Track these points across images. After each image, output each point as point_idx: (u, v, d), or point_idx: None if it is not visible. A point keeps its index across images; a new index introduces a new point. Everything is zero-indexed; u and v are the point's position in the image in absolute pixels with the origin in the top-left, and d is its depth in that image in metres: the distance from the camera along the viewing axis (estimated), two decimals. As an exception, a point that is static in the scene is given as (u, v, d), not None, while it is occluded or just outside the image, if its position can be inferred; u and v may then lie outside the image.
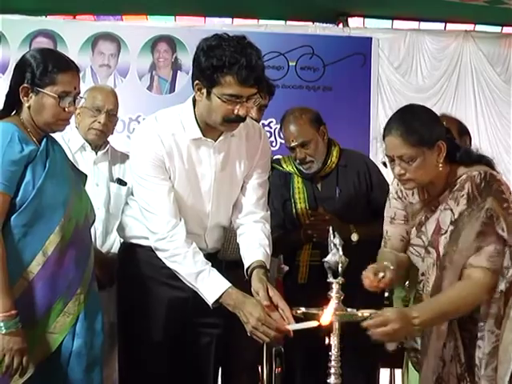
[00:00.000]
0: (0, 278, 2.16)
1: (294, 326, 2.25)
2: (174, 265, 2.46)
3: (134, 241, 2.68)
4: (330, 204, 3.04)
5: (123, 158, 3.27)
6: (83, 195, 2.47)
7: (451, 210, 2.32)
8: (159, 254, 2.50)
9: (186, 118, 2.48)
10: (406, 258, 2.46)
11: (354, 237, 2.95)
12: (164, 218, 2.46)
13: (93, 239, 3.02)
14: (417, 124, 2.30)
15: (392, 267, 2.28)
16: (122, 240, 2.80)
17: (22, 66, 2.33)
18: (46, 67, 2.29)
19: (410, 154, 2.27)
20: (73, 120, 3.19)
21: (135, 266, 2.66)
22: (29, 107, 2.32)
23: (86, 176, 2.61)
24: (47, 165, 2.32)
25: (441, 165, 2.31)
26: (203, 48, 2.33)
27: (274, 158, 3.27)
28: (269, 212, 2.65)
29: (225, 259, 2.68)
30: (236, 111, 2.32)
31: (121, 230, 2.78)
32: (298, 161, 3.05)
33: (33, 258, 2.26)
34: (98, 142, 3.20)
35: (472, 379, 2.28)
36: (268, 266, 2.50)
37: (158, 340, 2.60)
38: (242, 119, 2.38)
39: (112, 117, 3.21)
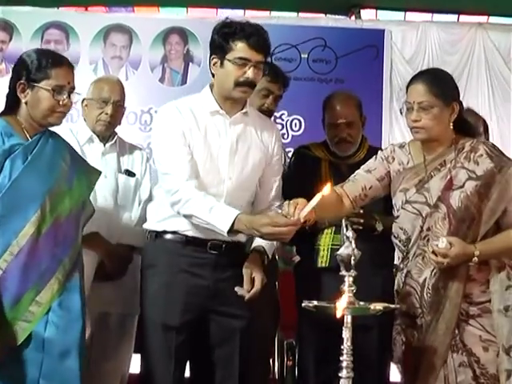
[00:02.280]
0: None
1: (303, 212, 2.35)
2: (187, 210, 2.61)
3: (154, 228, 2.78)
4: None
5: (131, 149, 3.28)
6: (75, 191, 2.54)
7: (467, 169, 2.58)
8: (175, 209, 2.66)
9: (204, 95, 2.78)
10: (336, 204, 2.67)
11: (380, 226, 2.98)
12: (180, 175, 2.64)
13: (101, 230, 3.05)
14: (441, 80, 2.65)
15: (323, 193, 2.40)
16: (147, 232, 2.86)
17: (18, 65, 2.51)
18: (40, 63, 2.47)
19: (429, 102, 2.56)
20: (80, 112, 3.22)
21: (156, 254, 2.73)
22: (26, 103, 2.48)
23: (100, 172, 2.73)
24: (29, 158, 2.43)
25: (451, 125, 2.62)
26: (217, 27, 2.70)
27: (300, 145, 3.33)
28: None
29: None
30: (246, 74, 2.64)
31: (143, 221, 2.91)
32: (337, 139, 3.11)
33: (6, 248, 2.34)
34: (106, 133, 3.21)
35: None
36: (269, 252, 2.76)
37: (177, 326, 2.64)
38: (251, 83, 2.67)
39: (119, 108, 3.22)
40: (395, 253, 2.93)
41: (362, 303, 2.19)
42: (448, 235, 2.53)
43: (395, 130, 6.47)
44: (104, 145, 3.22)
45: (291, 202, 2.41)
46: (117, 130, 3.32)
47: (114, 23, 6.11)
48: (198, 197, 2.60)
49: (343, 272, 2.20)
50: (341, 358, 2.15)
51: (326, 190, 2.30)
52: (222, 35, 2.66)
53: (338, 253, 2.24)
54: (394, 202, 2.71)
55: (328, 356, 2.27)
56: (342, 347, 2.14)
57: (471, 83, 6.46)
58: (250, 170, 2.77)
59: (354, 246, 2.21)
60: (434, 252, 2.49)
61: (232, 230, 2.51)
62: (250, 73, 2.64)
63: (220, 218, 2.53)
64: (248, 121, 2.80)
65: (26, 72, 2.47)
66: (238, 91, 2.68)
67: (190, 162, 2.66)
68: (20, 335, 2.34)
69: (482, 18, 6.74)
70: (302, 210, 2.36)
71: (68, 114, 5.68)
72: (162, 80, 6.15)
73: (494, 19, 6.78)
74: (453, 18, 6.78)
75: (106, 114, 3.18)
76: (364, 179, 2.72)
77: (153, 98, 5.91)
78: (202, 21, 6.13)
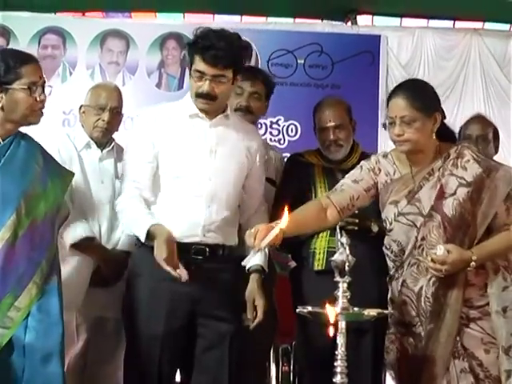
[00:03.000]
0: None
1: (263, 243, 2.36)
2: (121, 216, 2.83)
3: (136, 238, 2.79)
4: None
5: (129, 154, 3.29)
6: (50, 193, 2.50)
7: (456, 176, 2.59)
8: (118, 216, 2.85)
9: (185, 100, 2.82)
10: (319, 217, 2.67)
11: (375, 227, 3.00)
12: (128, 191, 2.77)
13: (98, 236, 3.06)
14: (421, 92, 2.64)
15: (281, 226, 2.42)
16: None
17: None
18: (7, 65, 2.40)
19: (411, 116, 2.56)
20: (78, 117, 3.22)
21: (140, 262, 2.75)
22: (2, 108, 2.40)
23: (73, 174, 2.73)
24: (1, 161, 2.40)
25: (434, 135, 2.62)
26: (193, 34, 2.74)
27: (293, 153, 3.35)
28: (266, 209, 2.95)
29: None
30: (202, 87, 2.68)
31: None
32: (327, 142, 3.14)
33: None
34: (103, 139, 3.22)
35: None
36: (265, 267, 2.81)
37: (161, 335, 2.64)
38: (208, 95, 2.70)
39: (116, 114, 3.23)
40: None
41: (356, 309, 2.20)
42: (444, 243, 2.54)
43: (391, 135, 6.48)
44: (101, 151, 3.23)
45: (252, 230, 2.41)
46: (115, 136, 3.34)
47: (110, 28, 6.13)
48: (133, 206, 2.74)
49: (337, 278, 2.21)
50: (335, 364, 2.16)
51: (284, 222, 2.34)
52: (188, 46, 2.74)
53: (333, 259, 2.25)
54: (384, 216, 2.71)
55: (326, 361, 2.28)
56: (336, 353, 2.15)
57: (467, 89, 6.49)
58: (231, 172, 2.80)
59: (348, 252, 2.23)
60: (432, 260, 2.50)
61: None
62: (205, 86, 2.67)
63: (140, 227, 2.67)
64: (229, 124, 2.83)
65: None
66: (199, 102, 2.74)
67: (151, 180, 2.77)
68: (0, 341, 2.30)
69: (478, 24, 6.77)
70: (263, 239, 2.36)
71: (65, 119, 5.84)
72: (158, 85, 6.17)
73: (489, 25, 6.82)
74: (448, 23, 6.81)
75: (103, 120, 3.19)
76: (352, 189, 2.72)
77: (150, 103, 5.79)
78: (199, 26, 6.14)
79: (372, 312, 2.22)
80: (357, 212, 2.91)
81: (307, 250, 3.14)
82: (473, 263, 2.52)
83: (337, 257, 2.25)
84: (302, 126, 6.02)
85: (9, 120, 2.43)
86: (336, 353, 2.15)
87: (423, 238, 2.61)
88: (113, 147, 3.26)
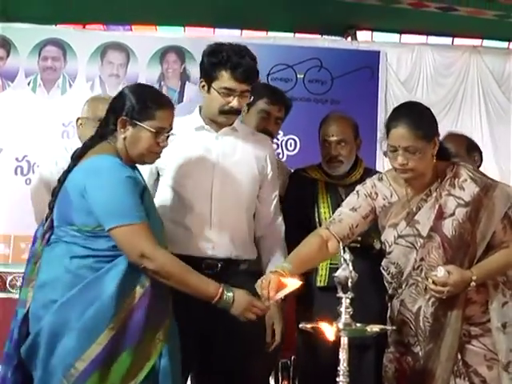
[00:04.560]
0: (194, 274, 2.33)
1: (276, 297, 2.37)
2: None
3: None
4: None
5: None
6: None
7: (454, 196, 2.58)
8: None
9: (192, 116, 2.86)
10: (320, 251, 2.65)
11: (377, 244, 3.00)
12: None
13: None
14: (423, 120, 2.59)
15: (288, 268, 2.45)
16: None
17: (121, 99, 2.44)
18: (145, 103, 2.41)
19: (415, 146, 2.52)
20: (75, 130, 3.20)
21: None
22: (124, 138, 2.41)
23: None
24: (144, 197, 2.40)
25: (434, 158, 2.60)
26: (206, 51, 2.76)
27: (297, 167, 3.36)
28: (282, 219, 2.93)
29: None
30: (231, 103, 2.70)
31: None
32: (328, 157, 3.14)
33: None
34: None
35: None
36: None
37: None
38: (236, 111, 2.75)
39: None
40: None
41: (358, 325, 2.20)
42: (444, 264, 2.54)
43: (390, 151, 6.50)
44: (100, 163, 3.23)
45: (263, 282, 2.40)
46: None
47: (111, 41, 6.14)
48: None
49: (340, 294, 2.21)
50: (337, 379, 2.15)
51: (297, 283, 2.36)
52: (209, 63, 2.72)
53: (336, 275, 2.25)
54: (384, 238, 2.70)
55: (328, 377, 2.27)
56: (339, 368, 2.15)
57: (465, 106, 6.52)
58: (241, 182, 2.79)
59: (351, 268, 2.23)
60: (433, 282, 2.50)
61: None
62: (235, 102, 2.71)
63: None
64: (237, 135, 2.84)
65: (129, 109, 2.41)
66: (222, 117, 2.77)
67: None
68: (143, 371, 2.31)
69: (476, 42, 6.81)
70: (276, 293, 2.37)
71: (64, 131, 5.84)
72: (158, 98, 6.16)
73: (487, 43, 6.86)
74: (447, 40, 6.85)
75: None
76: (350, 218, 2.69)
77: (149, 116, 5.92)
78: (200, 40, 6.14)
79: (375, 328, 2.22)
80: None
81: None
82: (473, 283, 2.52)
83: (340, 273, 2.25)
84: (301, 141, 6.04)
85: (128, 152, 2.44)
86: (338, 369, 2.14)
87: (422, 259, 2.61)
88: (110, 159, 3.26)
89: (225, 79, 2.68)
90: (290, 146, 6.10)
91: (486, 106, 6.52)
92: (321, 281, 3.10)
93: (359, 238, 2.96)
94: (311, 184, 3.24)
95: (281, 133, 5.99)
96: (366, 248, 3.01)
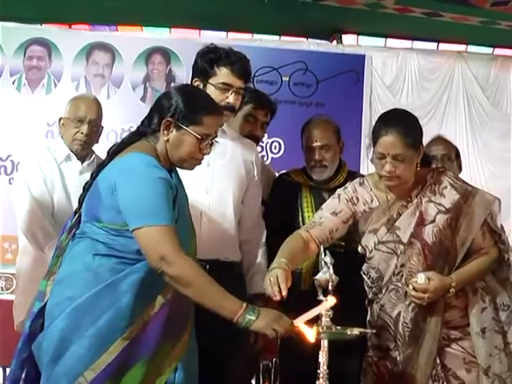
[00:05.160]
0: (215, 287, 2.16)
1: (299, 320, 2.21)
2: None
3: None
4: None
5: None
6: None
7: (435, 202, 2.61)
8: None
9: None
10: (305, 251, 2.65)
11: (361, 249, 3.00)
12: None
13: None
14: (412, 128, 2.62)
15: (286, 263, 2.44)
16: None
17: (168, 100, 2.33)
18: (194, 107, 2.32)
19: (404, 154, 2.54)
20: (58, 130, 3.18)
21: None
22: (167, 140, 2.30)
23: (187, 197, 2.52)
24: (177, 202, 2.29)
25: (419, 165, 2.62)
26: (201, 51, 2.81)
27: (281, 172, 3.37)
28: (264, 224, 2.97)
29: None
30: (228, 99, 2.75)
31: None
32: (312, 162, 3.14)
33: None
34: (83, 152, 3.22)
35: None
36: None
37: None
38: (232, 108, 2.79)
39: (95, 127, 3.23)
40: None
41: (338, 327, 2.21)
42: (424, 270, 2.56)
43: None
44: (82, 163, 3.22)
45: (271, 279, 2.34)
46: (98, 148, 3.33)
47: (97, 41, 6.12)
48: None
49: (320, 297, 2.21)
50: (317, 383, 2.16)
51: (331, 301, 2.26)
52: (207, 60, 2.76)
53: (316, 278, 2.26)
54: (364, 244, 2.72)
55: (309, 380, 2.27)
56: (318, 371, 2.16)
57: (450, 110, 6.56)
58: (229, 185, 2.83)
59: (331, 271, 2.23)
60: (414, 288, 2.51)
61: None
62: (231, 98, 2.76)
63: None
64: (227, 137, 2.87)
65: (176, 111, 2.30)
66: None
67: None
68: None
69: (461, 47, 6.85)
70: (287, 286, 2.34)
71: (49, 131, 5.82)
72: (143, 99, 6.16)
73: (472, 48, 6.90)
74: (432, 45, 6.88)
75: (82, 133, 3.18)
76: (330, 222, 2.69)
77: (134, 117, 5.83)
78: (185, 41, 6.16)
79: (355, 331, 2.22)
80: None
81: (294, 270, 3.13)
82: (452, 289, 2.54)
83: (320, 276, 2.26)
84: (286, 144, 6.05)
85: (169, 155, 2.34)
86: (318, 371, 2.15)
87: (403, 265, 2.63)
88: (93, 160, 3.25)
89: (224, 74, 2.75)
90: (275, 148, 6.11)
91: (470, 111, 6.56)
92: (304, 285, 3.10)
93: (343, 243, 2.97)
94: (295, 188, 3.25)
95: (265, 135, 5.99)
96: (350, 252, 3.01)
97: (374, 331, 2.54)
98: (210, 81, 2.76)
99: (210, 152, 2.40)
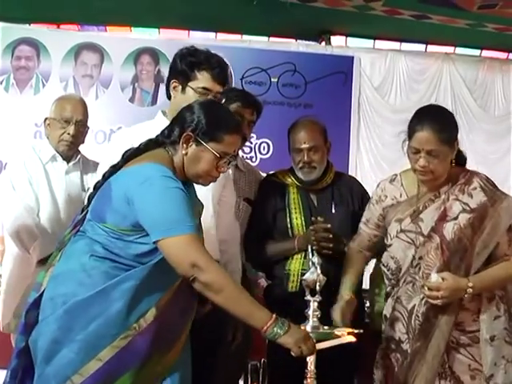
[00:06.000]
0: (246, 295, 2.14)
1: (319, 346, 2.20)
2: None
3: None
4: (324, 218, 3.09)
5: (95, 166, 3.27)
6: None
7: (461, 201, 2.63)
8: None
9: (156, 120, 2.79)
10: (363, 259, 2.89)
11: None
12: None
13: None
14: (447, 124, 2.64)
15: (352, 294, 2.65)
16: None
17: (191, 114, 2.30)
18: (216, 124, 2.28)
19: (439, 150, 2.56)
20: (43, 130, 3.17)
21: None
22: (185, 154, 2.28)
23: (203, 206, 2.51)
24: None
25: (453, 162, 2.63)
26: (180, 53, 2.79)
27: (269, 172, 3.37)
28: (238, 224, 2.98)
29: None
30: None
31: None
32: (301, 164, 3.13)
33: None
34: (69, 152, 3.21)
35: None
36: None
37: None
38: None
39: (82, 127, 3.21)
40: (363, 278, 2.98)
41: (326, 327, 2.21)
42: (441, 266, 2.56)
43: (362, 155, 6.55)
44: (67, 163, 3.21)
45: (341, 312, 2.60)
46: (85, 149, 3.32)
47: (85, 41, 6.13)
48: None
49: (308, 297, 2.22)
50: (304, 382, 2.16)
51: (350, 338, 2.28)
52: (188, 63, 2.74)
53: (304, 278, 2.26)
54: (388, 232, 2.74)
55: (297, 380, 2.28)
56: (306, 371, 2.16)
57: (437, 112, 6.58)
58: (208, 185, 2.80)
59: (319, 271, 2.24)
60: (428, 288, 2.52)
61: None
62: None
63: None
64: None
65: (197, 126, 2.27)
66: None
67: None
68: None
69: (449, 49, 6.89)
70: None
71: (36, 131, 5.80)
72: (132, 100, 6.17)
73: (460, 50, 6.94)
74: (421, 47, 6.92)
75: (69, 133, 3.16)
76: (366, 232, 2.85)
77: (122, 118, 5.91)
78: (174, 42, 6.15)
79: (342, 331, 2.23)
80: (331, 236, 2.94)
81: (282, 271, 3.14)
82: (470, 289, 2.53)
83: (308, 276, 2.26)
84: (274, 144, 6.07)
85: (185, 168, 2.30)
86: (306, 371, 2.16)
87: (421, 258, 2.63)
88: (79, 160, 3.24)
89: (204, 79, 2.72)
90: (264, 149, 6.12)
91: (457, 112, 6.59)
92: (292, 286, 3.10)
93: (331, 245, 2.97)
94: (282, 189, 3.24)
95: (254, 136, 6.02)
96: (339, 253, 3.01)
97: (361, 331, 2.54)
98: (189, 84, 2.73)
99: (226, 171, 2.39)
